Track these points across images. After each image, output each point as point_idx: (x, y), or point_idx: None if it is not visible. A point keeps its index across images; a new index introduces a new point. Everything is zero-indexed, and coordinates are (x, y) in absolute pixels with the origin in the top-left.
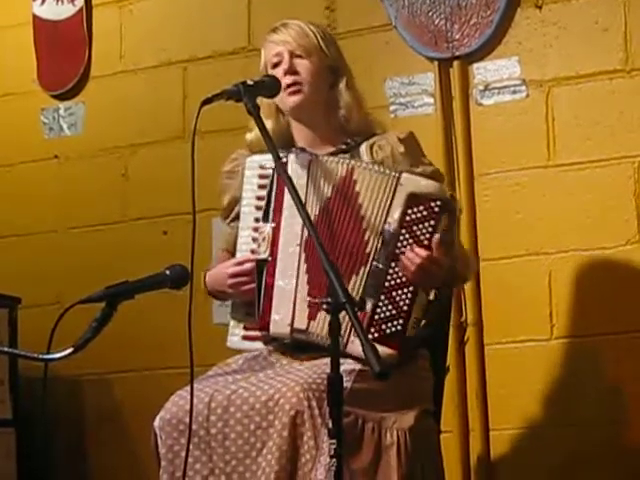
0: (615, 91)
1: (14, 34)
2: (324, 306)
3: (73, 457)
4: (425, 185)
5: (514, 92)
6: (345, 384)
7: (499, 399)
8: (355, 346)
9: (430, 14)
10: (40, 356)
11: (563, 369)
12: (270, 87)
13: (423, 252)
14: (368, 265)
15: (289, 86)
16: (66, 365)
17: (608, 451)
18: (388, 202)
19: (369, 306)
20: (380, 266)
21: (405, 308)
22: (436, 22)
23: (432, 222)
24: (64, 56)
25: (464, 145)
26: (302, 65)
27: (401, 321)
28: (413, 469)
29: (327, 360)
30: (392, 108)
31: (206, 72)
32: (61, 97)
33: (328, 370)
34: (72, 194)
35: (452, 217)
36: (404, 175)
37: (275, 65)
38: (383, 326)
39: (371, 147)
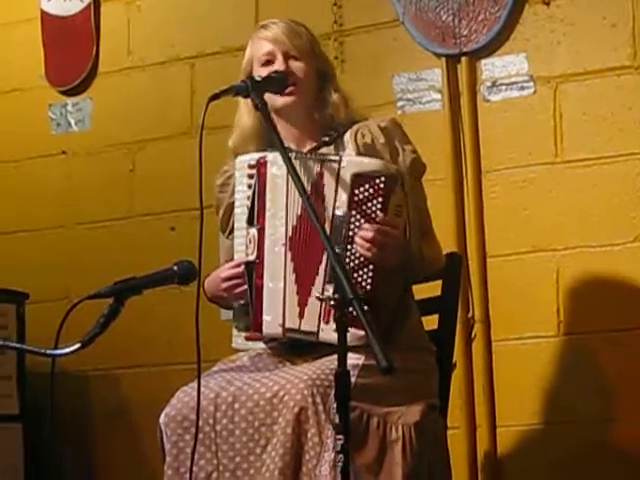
0: (623, 87)
1: (22, 30)
2: (331, 302)
3: (80, 452)
4: (367, 163)
5: (522, 88)
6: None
7: (506, 395)
8: (326, 333)
9: (438, 10)
10: (48, 351)
11: (570, 366)
12: (278, 83)
13: (371, 227)
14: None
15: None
16: (73, 360)
17: (615, 448)
18: (335, 186)
19: (331, 291)
20: (337, 250)
21: (368, 287)
22: (444, 18)
23: (380, 199)
24: (72, 52)
25: (472, 141)
26: (297, 67)
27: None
28: (419, 465)
29: (329, 357)
30: (400, 104)
31: (213, 68)
32: (69, 93)
33: (332, 366)
34: (79, 190)
35: (400, 192)
36: (345, 158)
37: (265, 63)
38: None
39: (355, 135)
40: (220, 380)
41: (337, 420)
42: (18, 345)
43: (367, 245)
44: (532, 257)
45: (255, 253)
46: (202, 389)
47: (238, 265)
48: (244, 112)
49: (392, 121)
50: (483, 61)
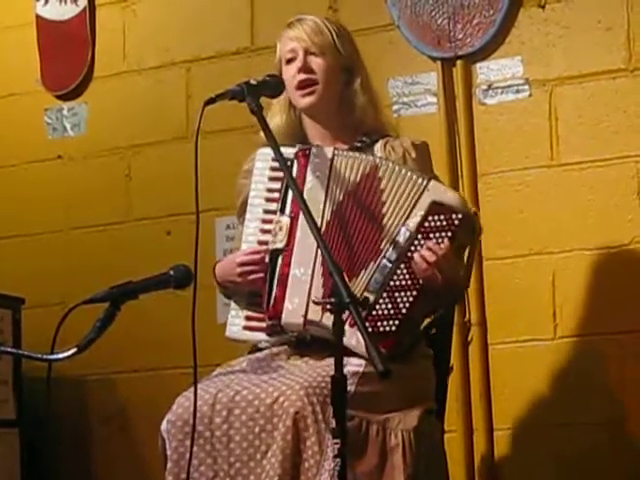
0: (618, 90)
1: (17, 34)
2: (328, 306)
3: (77, 457)
4: (451, 196)
5: (517, 91)
6: (349, 387)
7: (503, 399)
8: (351, 341)
9: (433, 14)
10: (44, 356)
11: (567, 369)
12: (273, 87)
13: (439, 249)
14: (378, 261)
15: (302, 83)
16: (70, 365)
17: (612, 450)
18: (411, 205)
19: (370, 301)
20: (389, 264)
21: (404, 311)
22: (439, 22)
23: (449, 233)
24: (67, 56)
25: (467, 145)
26: (316, 63)
27: (397, 322)
28: (417, 469)
29: (330, 361)
30: (395, 108)
31: (209, 72)
32: (64, 97)
33: (331, 371)
34: (75, 194)
35: (470, 235)
36: (432, 182)
37: (289, 61)
38: (378, 323)
39: (384, 147)
40: (219, 384)
41: (332, 427)
42: (14, 350)
43: (424, 266)
44: (528, 260)
45: (285, 241)
46: (201, 394)
47: (256, 252)
48: (276, 110)
49: (425, 143)
50: (478, 64)
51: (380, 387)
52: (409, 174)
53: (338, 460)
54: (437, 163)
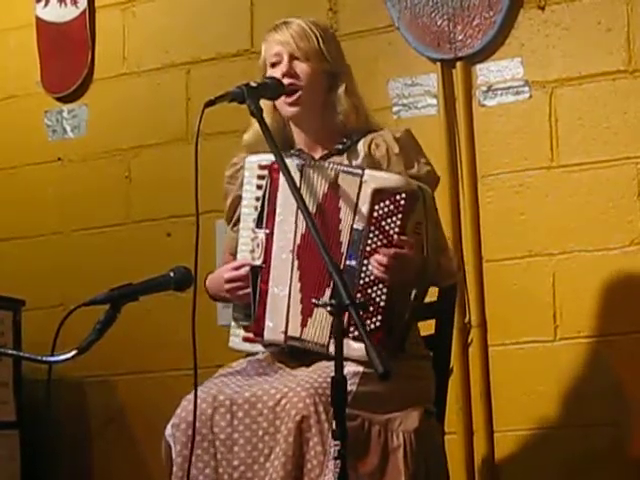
0: (618, 92)
1: (17, 36)
2: (328, 308)
3: (77, 458)
4: (388, 179)
5: (517, 93)
6: (350, 387)
7: (503, 400)
8: (350, 348)
9: (433, 15)
10: (44, 358)
11: (567, 370)
12: (273, 89)
13: (387, 251)
14: (342, 264)
15: (288, 93)
16: (70, 367)
17: (612, 452)
18: (355, 200)
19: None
20: (353, 264)
21: (382, 304)
22: (439, 23)
23: (399, 215)
24: (67, 58)
25: (467, 146)
26: (300, 68)
27: (380, 317)
28: (418, 471)
29: (330, 362)
30: (395, 109)
31: (209, 74)
32: (64, 99)
33: (332, 373)
34: (75, 196)
35: (421, 209)
36: (367, 172)
37: (274, 64)
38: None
39: (369, 145)
40: (221, 386)
41: (333, 427)
42: (14, 352)
43: (382, 269)
44: (528, 261)
45: (262, 258)
46: (203, 396)
47: (241, 267)
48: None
49: (407, 132)
50: (478, 66)
51: (381, 388)
52: (346, 170)
53: (338, 462)
54: (437, 165)
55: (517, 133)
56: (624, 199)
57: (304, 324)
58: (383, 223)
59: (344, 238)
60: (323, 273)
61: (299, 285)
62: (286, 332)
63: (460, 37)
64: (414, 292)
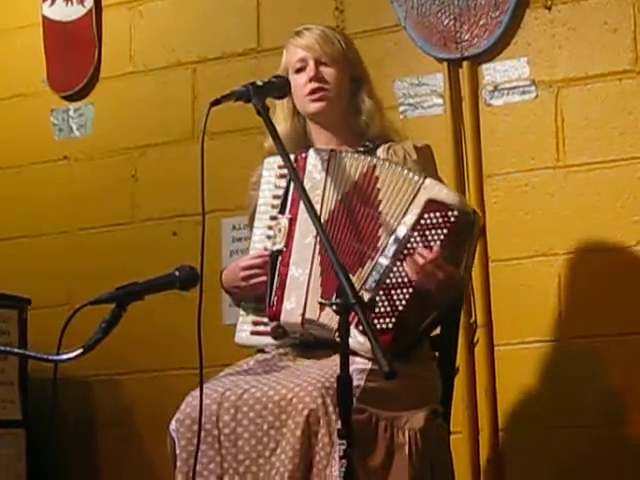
0: (624, 92)
1: (24, 35)
2: (333, 307)
3: (83, 457)
4: (446, 194)
5: (523, 93)
6: (358, 382)
7: (509, 400)
8: (358, 342)
9: (439, 15)
10: (50, 357)
11: (573, 370)
12: (280, 88)
13: (430, 254)
14: (375, 259)
15: (313, 91)
16: (76, 366)
17: (617, 452)
18: (407, 203)
19: (366, 299)
20: (385, 262)
21: (400, 308)
22: (445, 23)
23: (445, 230)
24: (73, 57)
25: (473, 146)
26: (328, 73)
27: (393, 320)
28: (423, 470)
29: (338, 359)
30: (401, 109)
31: (215, 73)
32: (71, 98)
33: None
34: (82, 195)
35: (468, 233)
36: (428, 180)
37: (298, 70)
38: (375, 321)
39: (387, 151)
40: (227, 383)
41: (340, 425)
42: (20, 351)
43: (416, 268)
44: (534, 261)
45: (283, 242)
46: (209, 392)
47: (260, 256)
48: (280, 118)
49: (427, 146)
50: (485, 66)
51: (389, 385)
52: (405, 172)
53: (344, 461)
54: (443, 164)
55: (523, 133)
56: (630, 199)
57: (322, 308)
58: (427, 232)
59: (383, 234)
60: (345, 260)
61: (319, 269)
62: (304, 314)
63: (466, 37)
64: (434, 314)
